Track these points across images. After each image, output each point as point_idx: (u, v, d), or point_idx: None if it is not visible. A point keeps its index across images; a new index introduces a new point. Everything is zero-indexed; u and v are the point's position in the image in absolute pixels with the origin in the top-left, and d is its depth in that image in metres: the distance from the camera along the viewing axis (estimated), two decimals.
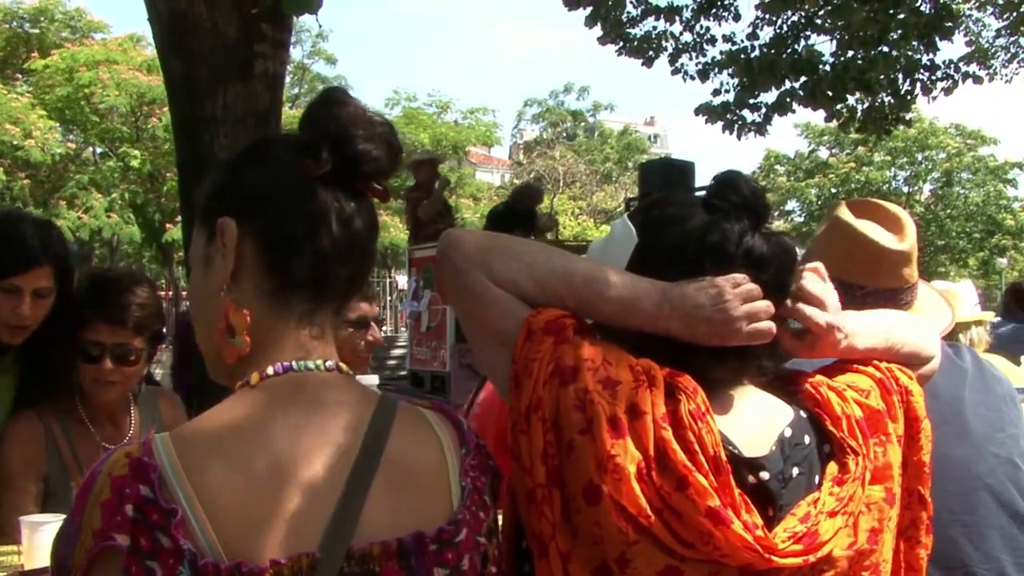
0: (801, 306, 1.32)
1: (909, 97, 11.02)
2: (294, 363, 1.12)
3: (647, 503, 1.14)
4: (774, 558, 1.14)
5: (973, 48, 12.20)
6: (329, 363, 1.15)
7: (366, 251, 1.18)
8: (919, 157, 37.12)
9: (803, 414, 1.31)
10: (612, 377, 1.19)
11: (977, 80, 11.28)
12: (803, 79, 10.51)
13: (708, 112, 11.41)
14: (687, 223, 1.29)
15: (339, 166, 1.13)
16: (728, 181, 1.31)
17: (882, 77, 10.44)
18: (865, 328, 1.39)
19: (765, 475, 1.22)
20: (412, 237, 9.53)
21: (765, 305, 1.25)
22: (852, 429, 1.29)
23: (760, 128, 11.34)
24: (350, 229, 1.14)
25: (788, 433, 1.27)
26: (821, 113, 11.43)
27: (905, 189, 38.08)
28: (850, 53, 10.51)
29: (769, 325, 1.25)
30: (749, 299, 1.24)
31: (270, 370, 1.11)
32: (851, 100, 11.02)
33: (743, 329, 1.24)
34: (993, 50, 12.72)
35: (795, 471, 1.25)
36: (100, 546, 0.98)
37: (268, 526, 1.01)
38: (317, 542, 1.02)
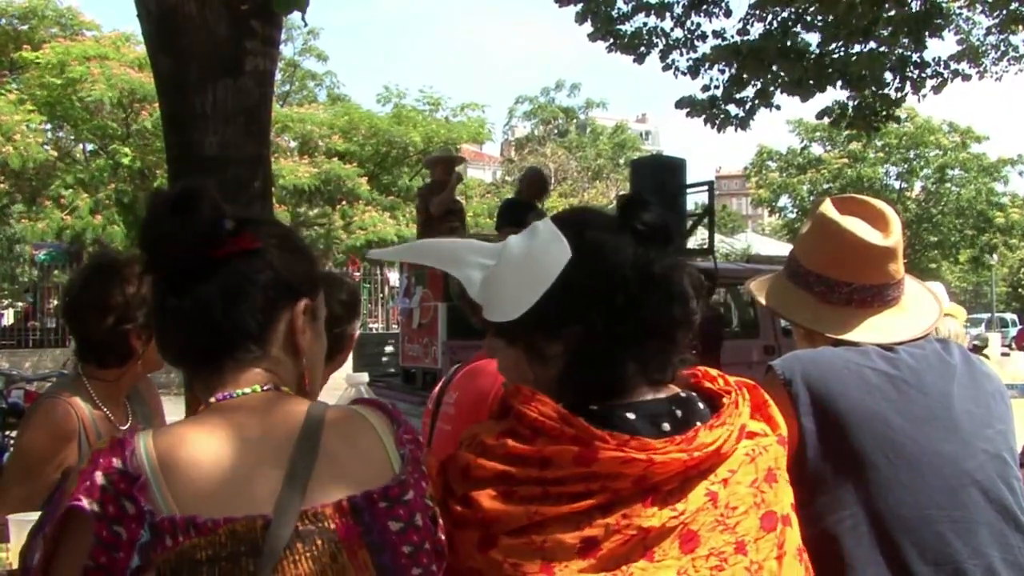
0: None
1: (899, 95, 11.04)
2: (232, 392, 1.30)
3: (520, 502, 1.23)
4: (654, 456, 1.22)
5: (964, 46, 12.23)
6: (267, 386, 1.31)
7: (219, 317, 1.29)
8: (911, 154, 37.20)
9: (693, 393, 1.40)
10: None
11: (966, 78, 11.30)
12: (788, 68, 10.52)
13: (690, 105, 11.42)
14: (625, 253, 1.33)
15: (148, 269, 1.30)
16: (641, 204, 1.39)
17: (865, 72, 10.44)
18: None
19: (631, 415, 1.29)
20: (420, 234, 9.39)
21: None
22: (727, 382, 1.40)
23: (743, 123, 11.35)
24: (179, 311, 1.29)
25: (683, 395, 1.36)
26: (813, 110, 11.47)
27: (897, 185, 38.18)
28: (834, 45, 10.52)
29: None
30: None
31: (212, 400, 1.29)
32: (841, 96, 11.02)
33: None
34: (984, 48, 12.75)
35: (684, 417, 1.32)
36: (66, 507, 1.10)
37: (222, 495, 1.15)
38: (270, 509, 1.15)
